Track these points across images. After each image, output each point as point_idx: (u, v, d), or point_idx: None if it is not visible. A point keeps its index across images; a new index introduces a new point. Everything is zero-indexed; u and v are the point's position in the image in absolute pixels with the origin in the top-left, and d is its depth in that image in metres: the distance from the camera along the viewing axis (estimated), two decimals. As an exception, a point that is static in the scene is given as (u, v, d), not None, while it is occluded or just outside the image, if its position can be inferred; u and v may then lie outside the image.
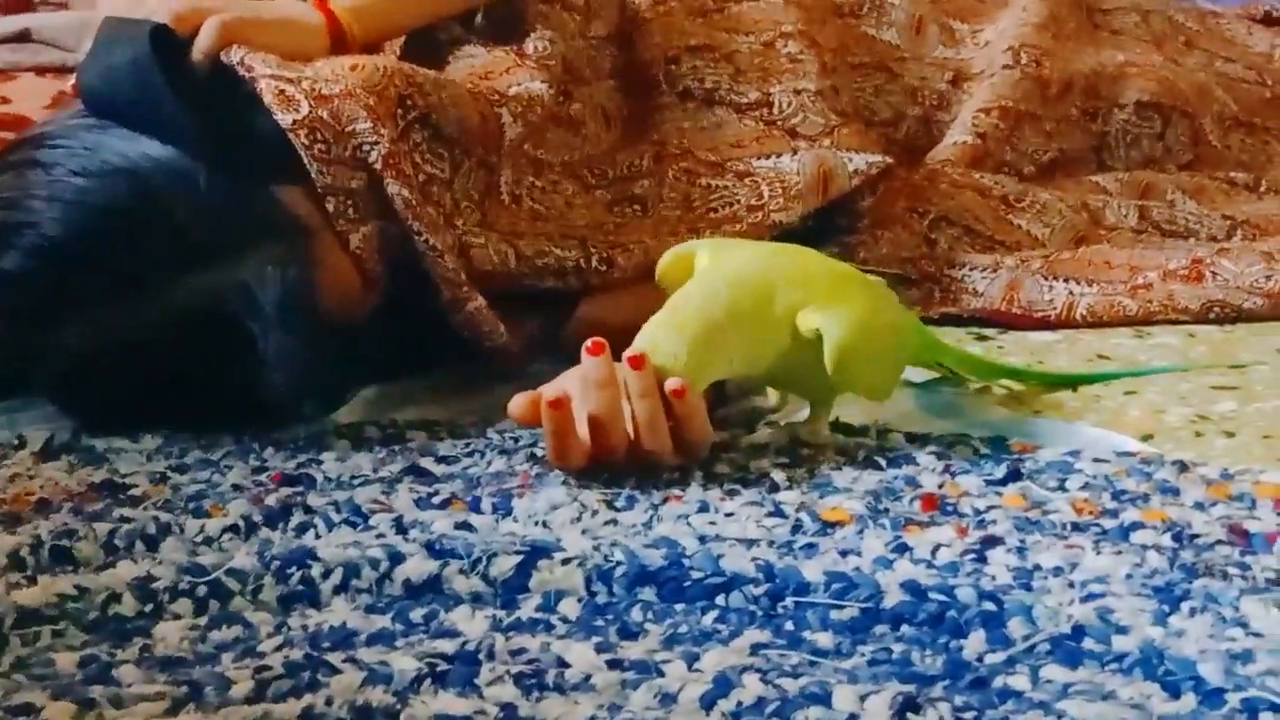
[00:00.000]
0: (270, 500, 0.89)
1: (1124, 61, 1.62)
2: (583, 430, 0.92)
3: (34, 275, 0.99)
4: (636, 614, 0.76)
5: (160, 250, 0.99)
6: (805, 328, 0.94)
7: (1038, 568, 0.78)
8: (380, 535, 0.85)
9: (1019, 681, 0.68)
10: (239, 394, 1.00)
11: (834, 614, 0.75)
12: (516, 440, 1.00)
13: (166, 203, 0.99)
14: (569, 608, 0.77)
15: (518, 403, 0.94)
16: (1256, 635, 0.71)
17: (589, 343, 0.92)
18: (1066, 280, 1.34)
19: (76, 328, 0.99)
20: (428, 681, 0.68)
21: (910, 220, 1.44)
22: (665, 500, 0.89)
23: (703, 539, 0.82)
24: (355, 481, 0.94)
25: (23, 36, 1.83)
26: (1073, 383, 1.15)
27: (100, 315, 0.99)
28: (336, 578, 0.79)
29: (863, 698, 0.66)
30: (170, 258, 0.99)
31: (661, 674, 0.69)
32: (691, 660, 0.70)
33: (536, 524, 0.86)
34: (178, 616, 0.77)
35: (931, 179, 1.48)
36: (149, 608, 0.78)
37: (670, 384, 0.90)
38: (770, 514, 0.86)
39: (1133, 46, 1.67)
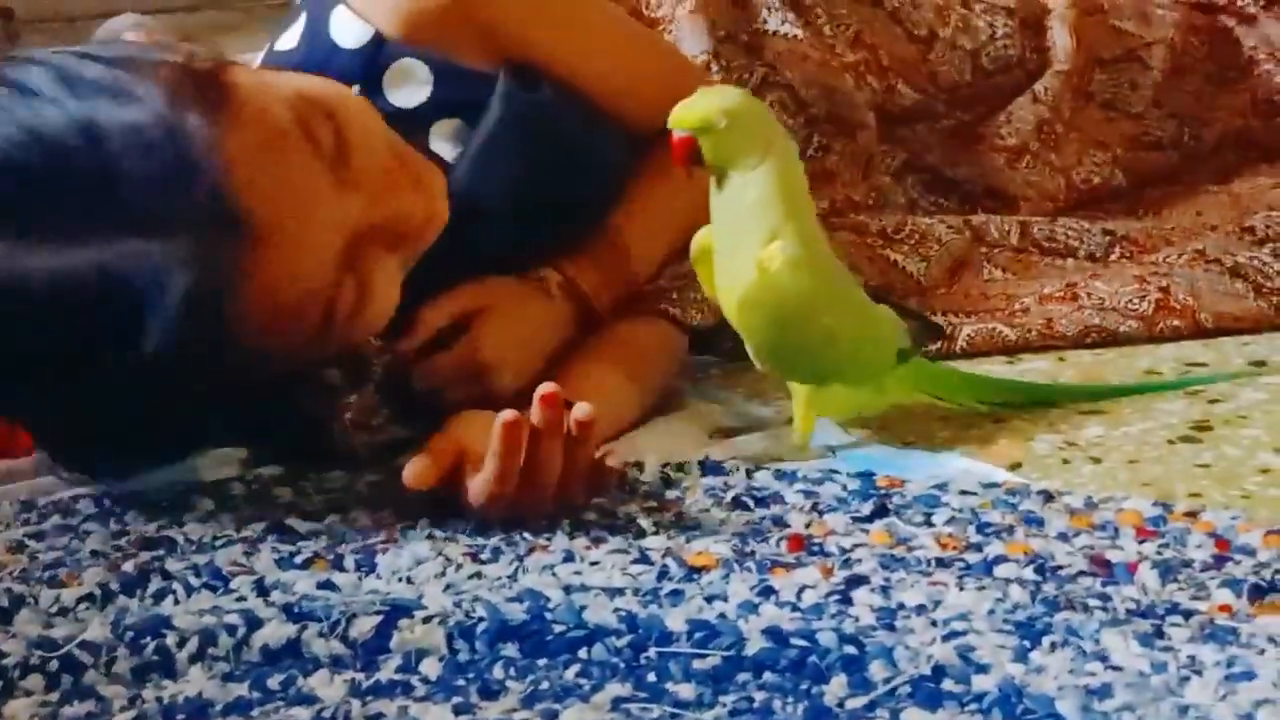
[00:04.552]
0: (128, 566, 0.87)
1: None
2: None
3: None
4: (498, 671, 0.76)
5: (86, 196, 0.89)
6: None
7: (901, 606, 0.78)
8: (240, 598, 0.83)
9: (879, 726, 0.68)
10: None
11: (696, 663, 0.74)
12: (382, 492, 0.98)
13: (105, 152, 0.88)
14: (430, 667, 0.76)
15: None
16: (1116, 669, 0.71)
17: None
18: (944, 313, 1.34)
19: None
20: (282, 752, 0.67)
21: None
22: (531, 551, 0.88)
23: (568, 589, 0.82)
24: (217, 543, 0.92)
25: None
26: (1093, 396, 1.15)
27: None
28: (192, 646, 0.78)
29: (721, 751, 0.65)
30: (94, 206, 0.89)
31: (520, 734, 0.68)
32: (551, 718, 0.69)
33: (400, 580, 0.85)
34: (29, 693, 0.75)
35: None
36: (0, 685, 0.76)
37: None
38: (636, 561, 0.86)
39: None
